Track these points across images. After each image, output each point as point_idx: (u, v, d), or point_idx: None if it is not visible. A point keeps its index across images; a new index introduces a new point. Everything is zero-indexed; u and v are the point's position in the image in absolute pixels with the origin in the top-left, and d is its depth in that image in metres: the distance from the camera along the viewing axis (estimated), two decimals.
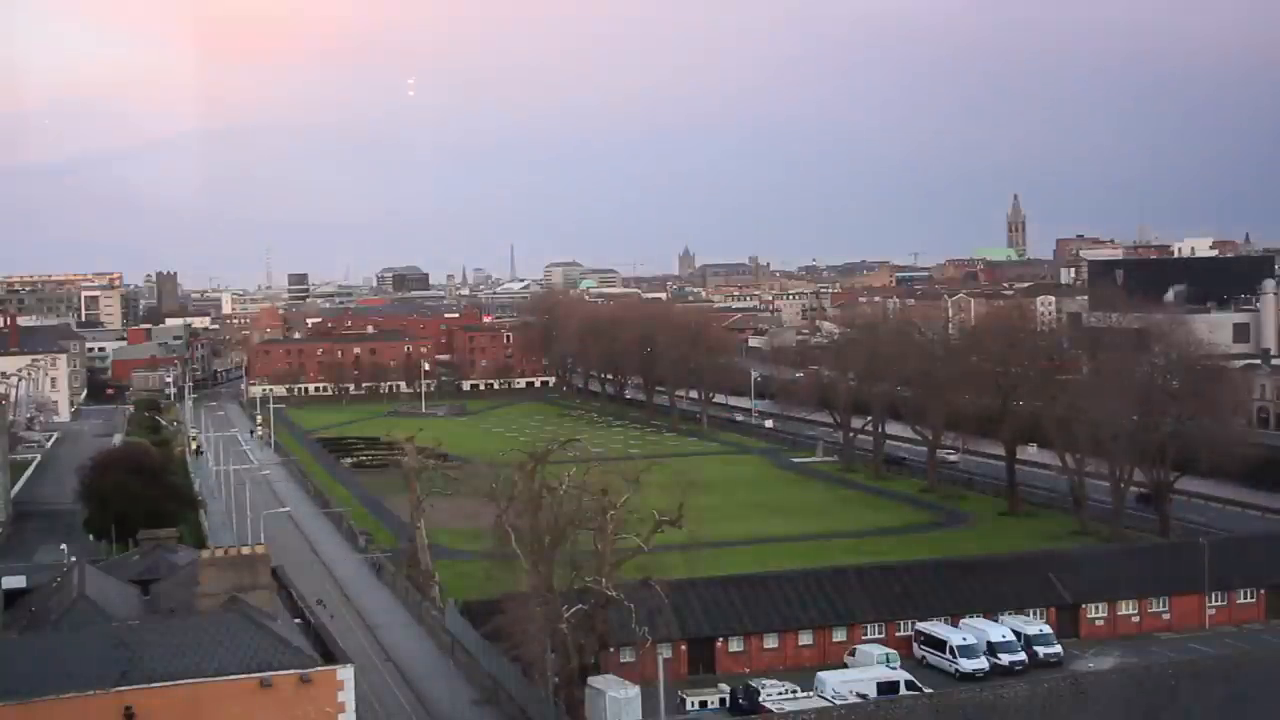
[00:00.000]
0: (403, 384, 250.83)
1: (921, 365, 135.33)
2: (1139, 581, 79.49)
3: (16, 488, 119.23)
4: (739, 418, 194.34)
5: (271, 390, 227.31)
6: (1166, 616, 79.28)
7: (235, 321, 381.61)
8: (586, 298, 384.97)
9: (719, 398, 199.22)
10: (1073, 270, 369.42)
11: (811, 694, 62.45)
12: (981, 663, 69.22)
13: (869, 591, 75.49)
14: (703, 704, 64.02)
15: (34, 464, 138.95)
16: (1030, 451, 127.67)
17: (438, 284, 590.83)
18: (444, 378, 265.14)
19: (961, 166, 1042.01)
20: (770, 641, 72.60)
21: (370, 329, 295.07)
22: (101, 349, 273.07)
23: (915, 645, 72.56)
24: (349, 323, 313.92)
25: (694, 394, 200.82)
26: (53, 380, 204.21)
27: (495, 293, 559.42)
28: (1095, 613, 78.22)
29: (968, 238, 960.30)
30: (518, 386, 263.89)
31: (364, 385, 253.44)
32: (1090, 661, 69.91)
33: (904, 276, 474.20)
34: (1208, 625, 79.05)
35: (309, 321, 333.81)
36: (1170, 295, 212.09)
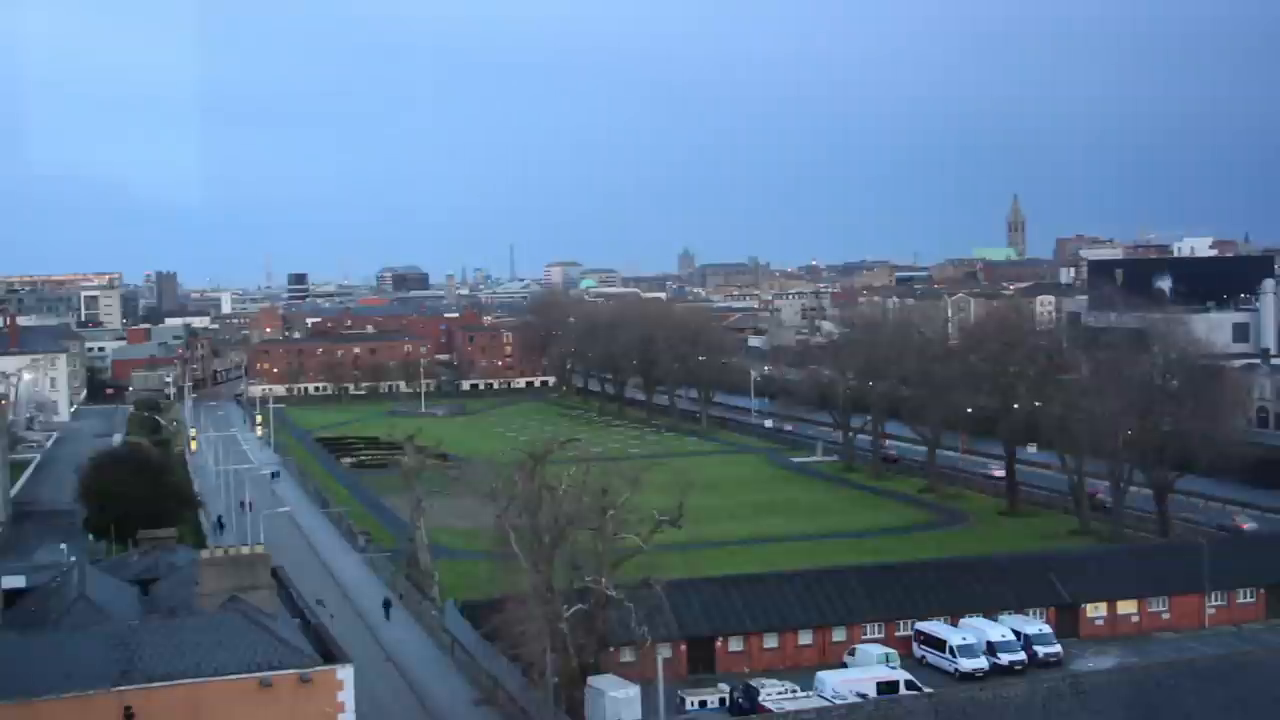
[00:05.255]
0: (402, 384, 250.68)
1: (921, 365, 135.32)
2: (1139, 581, 79.44)
3: (16, 488, 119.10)
4: (737, 415, 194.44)
5: (271, 390, 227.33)
6: (1166, 616, 79.21)
7: (235, 321, 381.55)
8: (586, 298, 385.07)
9: (719, 397, 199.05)
10: (1072, 270, 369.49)
11: (811, 694, 62.41)
12: (981, 662, 69.21)
13: (869, 591, 75.45)
14: (702, 704, 63.97)
15: (34, 464, 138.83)
16: (1030, 451, 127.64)
17: (438, 284, 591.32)
18: (444, 378, 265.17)
19: (961, 166, 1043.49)
20: (770, 641, 72.56)
21: (370, 329, 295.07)
22: (101, 349, 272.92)
23: (915, 645, 72.53)
24: (349, 323, 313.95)
25: (694, 394, 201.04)
26: (52, 380, 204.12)
27: (495, 293, 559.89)
28: (1095, 612, 78.14)
29: (968, 238, 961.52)
30: (518, 386, 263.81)
31: (364, 385, 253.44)
32: (1090, 661, 69.90)
33: (904, 276, 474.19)
34: (1207, 625, 78.98)
35: (309, 321, 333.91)
36: (1162, 285, 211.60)
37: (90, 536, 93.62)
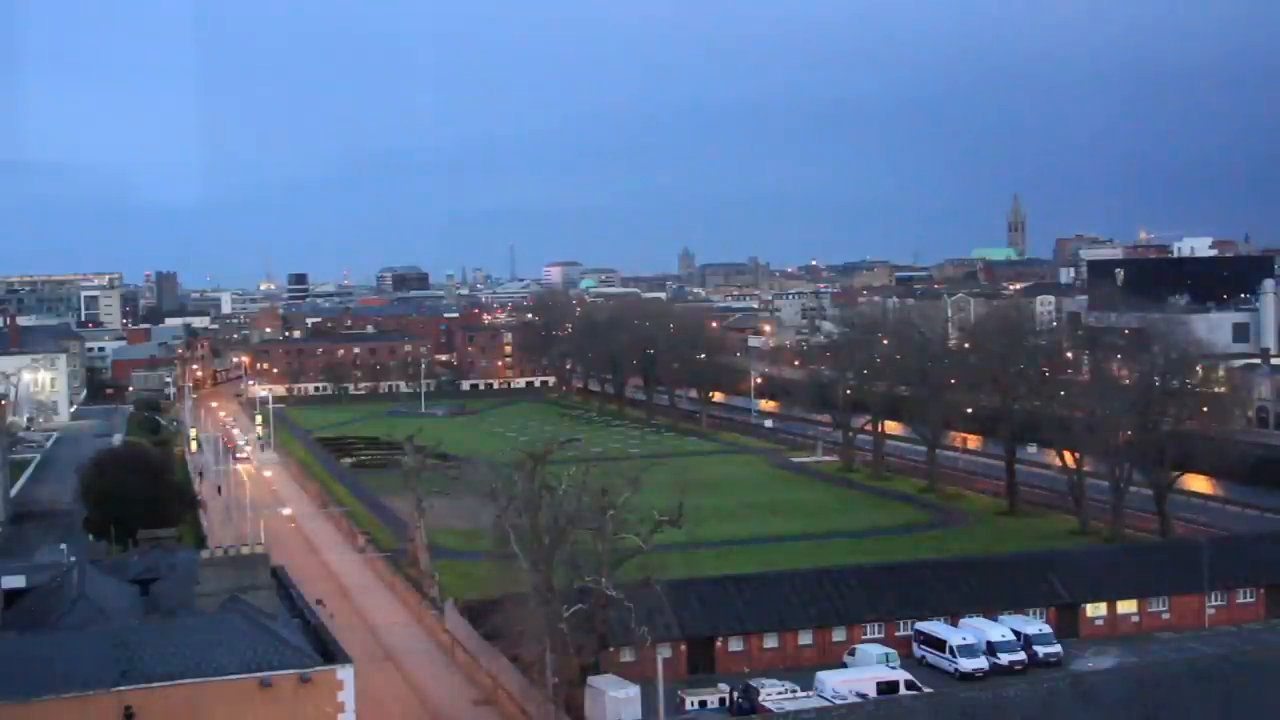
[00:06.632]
0: (402, 384, 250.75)
1: (921, 365, 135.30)
2: (1139, 581, 79.41)
3: (16, 488, 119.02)
4: (737, 415, 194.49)
5: (271, 390, 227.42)
6: (1166, 616, 79.17)
7: (235, 321, 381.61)
8: (586, 298, 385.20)
9: (718, 397, 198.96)
10: (1072, 270, 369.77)
11: (811, 694, 62.39)
12: (981, 662, 69.17)
13: (869, 591, 75.42)
14: (702, 704, 63.92)
15: (34, 464, 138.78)
16: (1030, 451, 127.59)
17: (438, 284, 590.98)
18: (444, 378, 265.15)
19: (961, 166, 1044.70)
20: (770, 641, 72.50)
21: (370, 329, 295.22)
22: (101, 349, 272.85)
23: (915, 645, 72.48)
24: (349, 323, 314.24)
25: (694, 394, 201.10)
26: (52, 380, 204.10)
27: (495, 292, 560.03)
28: (1095, 612, 78.09)
29: (968, 238, 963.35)
30: (518, 386, 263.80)
31: (364, 385, 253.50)
32: (1090, 661, 69.84)
33: (904, 276, 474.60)
34: (1208, 625, 78.91)
35: (309, 321, 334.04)
36: (1177, 299, 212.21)
37: (90, 536, 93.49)
